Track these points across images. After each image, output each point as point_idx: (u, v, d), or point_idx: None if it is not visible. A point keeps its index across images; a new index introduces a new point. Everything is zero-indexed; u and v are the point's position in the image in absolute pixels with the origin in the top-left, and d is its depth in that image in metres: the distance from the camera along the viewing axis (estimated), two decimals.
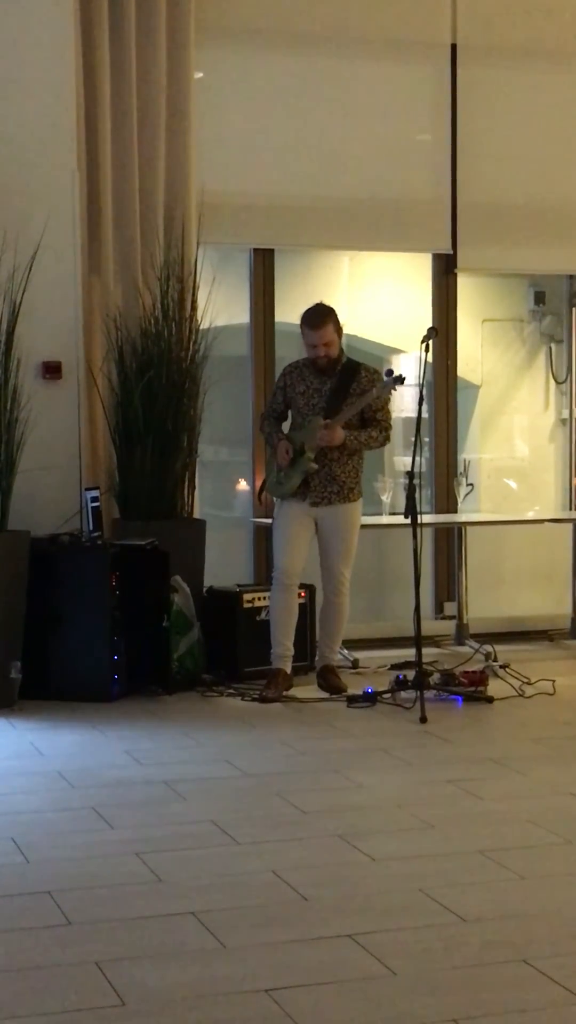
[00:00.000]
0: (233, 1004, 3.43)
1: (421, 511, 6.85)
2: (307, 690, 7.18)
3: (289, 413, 7.22)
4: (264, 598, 7.37)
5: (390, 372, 7.05)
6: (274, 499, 7.23)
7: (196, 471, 7.77)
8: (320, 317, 7.01)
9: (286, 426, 7.24)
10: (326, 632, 7.25)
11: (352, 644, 7.93)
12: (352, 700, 6.94)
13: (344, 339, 8.75)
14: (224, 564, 8.02)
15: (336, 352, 7.07)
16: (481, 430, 9.41)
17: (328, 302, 7.20)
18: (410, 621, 6.88)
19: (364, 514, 7.64)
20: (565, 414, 9.33)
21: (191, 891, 4.24)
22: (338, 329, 7.07)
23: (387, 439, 7.14)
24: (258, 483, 7.70)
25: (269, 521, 7.36)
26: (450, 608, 8.70)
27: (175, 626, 7.18)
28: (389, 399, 7.17)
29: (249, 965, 3.66)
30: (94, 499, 7.28)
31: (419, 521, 6.73)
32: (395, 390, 7.13)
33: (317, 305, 7.10)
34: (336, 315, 7.07)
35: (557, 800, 5.24)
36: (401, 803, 5.19)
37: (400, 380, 6.98)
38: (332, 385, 7.05)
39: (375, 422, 7.05)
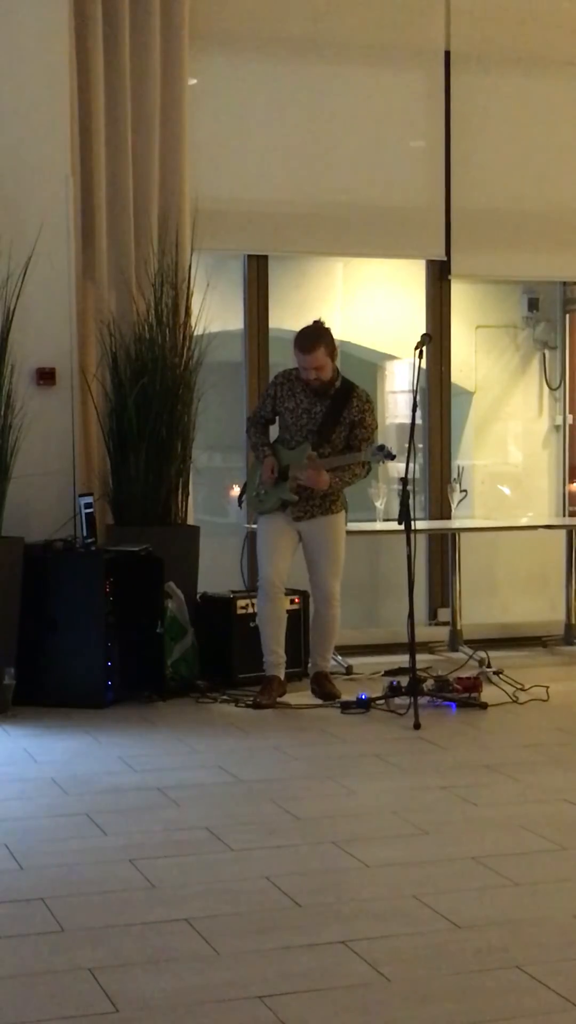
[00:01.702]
0: (227, 1011, 3.43)
1: (415, 517, 6.85)
2: (301, 696, 7.17)
3: (277, 419, 7.19)
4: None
5: (382, 447, 6.91)
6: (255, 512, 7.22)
7: (190, 477, 7.77)
8: (311, 340, 6.87)
9: (273, 430, 7.22)
10: (318, 641, 7.22)
11: (346, 650, 7.93)
12: (346, 706, 6.93)
13: (339, 345, 8.77)
14: (218, 570, 8.01)
15: (328, 375, 6.93)
16: (475, 436, 9.41)
17: (322, 308, 7.18)
18: (404, 627, 6.87)
19: (358, 520, 7.63)
20: (559, 420, 9.34)
21: (185, 898, 4.24)
22: (331, 351, 6.91)
23: (369, 471, 7.11)
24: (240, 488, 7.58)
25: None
26: (444, 614, 8.70)
27: (169, 632, 7.19)
28: (375, 427, 7.11)
29: (243, 972, 3.66)
30: (88, 505, 7.27)
31: (413, 527, 6.73)
32: (382, 463, 7.10)
33: (309, 327, 6.95)
34: (329, 336, 6.92)
35: (551, 806, 5.24)
36: (395, 809, 5.19)
37: (390, 457, 6.92)
38: (324, 410, 6.98)
39: (360, 452, 7.01)
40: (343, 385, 7.02)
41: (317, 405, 6.99)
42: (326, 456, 6.95)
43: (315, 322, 7.00)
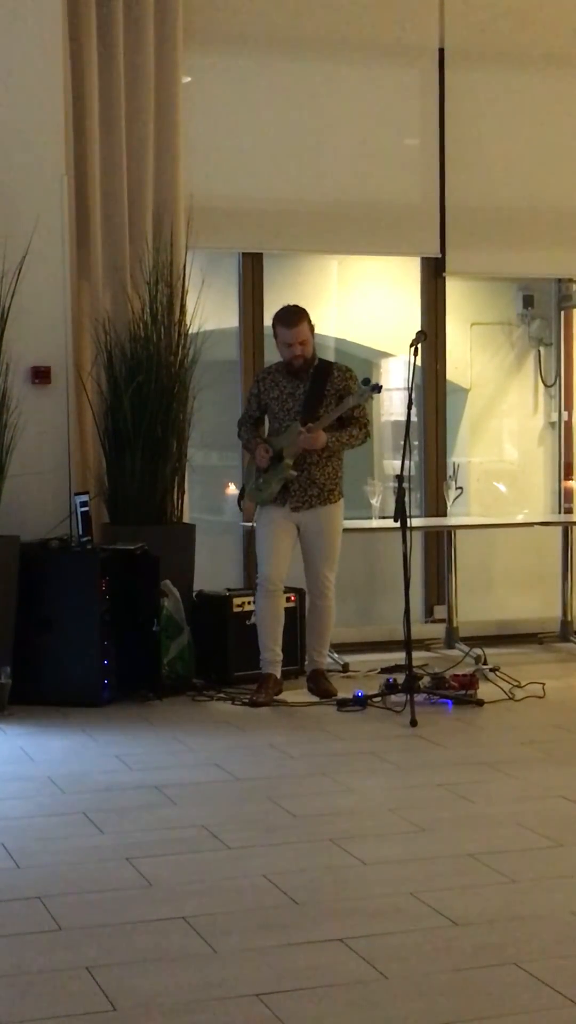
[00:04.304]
0: (224, 1009, 3.43)
1: (410, 515, 6.85)
2: (297, 694, 7.18)
3: (266, 418, 7.21)
4: (254, 602, 7.36)
5: (367, 380, 7.01)
6: (255, 505, 7.22)
7: (186, 475, 7.77)
8: (295, 316, 7.00)
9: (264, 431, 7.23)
10: (314, 636, 7.24)
11: (342, 648, 7.94)
12: (342, 704, 6.94)
13: (333, 343, 8.79)
14: (214, 568, 8.02)
15: (311, 352, 7.06)
16: (470, 434, 9.41)
17: (317, 306, 7.22)
18: (400, 625, 6.87)
19: (354, 518, 7.62)
20: (554, 417, 9.34)
21: (182, 896, 4.24)
22: (311, 328, 7.06)
23: (367, 436, 7.12)
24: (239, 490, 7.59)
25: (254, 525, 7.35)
26: (440, 611, 8.70)
27: (165, 630, 7.18)
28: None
29: (240, 970, 3.66)
30: (84, 504, 7.27)
31: (408, 525, 6.73)
32: (371, 398, 7.12)
33: (289, 305, 7.09)
34: (309, 315, 7.06)
35: (547, 803, 5.25)
36: (392, 807, 5.19)
37: (377, 389, 7.00)
38: (306, 388, 7.05)
39: (353, 420, 7.03)
40: (321, 363, 7.10)
41: (300, 387, 7.04)
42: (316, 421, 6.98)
43: (291, 304, 7.10)
